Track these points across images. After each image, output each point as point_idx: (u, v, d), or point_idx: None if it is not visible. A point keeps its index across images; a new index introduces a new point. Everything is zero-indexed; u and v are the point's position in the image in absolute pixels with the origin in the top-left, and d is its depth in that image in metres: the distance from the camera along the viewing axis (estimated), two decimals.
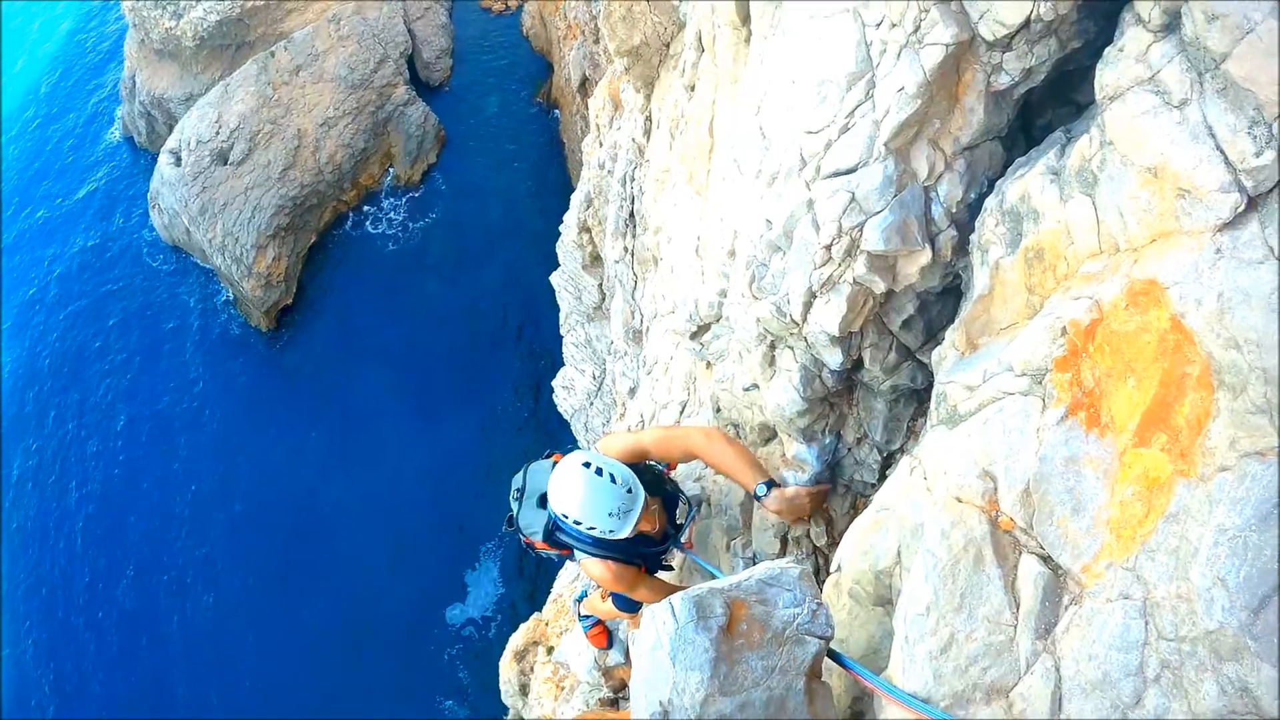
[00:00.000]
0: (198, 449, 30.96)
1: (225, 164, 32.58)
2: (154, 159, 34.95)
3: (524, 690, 9.75)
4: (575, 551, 5.60)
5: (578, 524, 5.12)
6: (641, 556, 5.57)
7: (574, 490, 5.08)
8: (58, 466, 31.38)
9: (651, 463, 5.71)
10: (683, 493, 5.88)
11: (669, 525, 5.72)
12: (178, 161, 32.90)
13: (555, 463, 5.66)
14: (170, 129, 34.62)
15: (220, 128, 32.76)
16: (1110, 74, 3.19)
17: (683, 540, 5.72)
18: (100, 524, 30.28)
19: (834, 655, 3.58)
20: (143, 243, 35.59)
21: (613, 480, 5.09)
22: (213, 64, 35.20)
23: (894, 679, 3.40)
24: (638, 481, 5.22)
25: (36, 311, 34.79)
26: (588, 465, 5.11)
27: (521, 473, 6.00)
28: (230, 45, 35.10)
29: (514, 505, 5.93)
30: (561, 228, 17.37)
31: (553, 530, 5.55)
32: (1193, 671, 2.60)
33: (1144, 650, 2.71)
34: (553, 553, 5.84)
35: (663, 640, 3.33)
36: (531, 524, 5.77)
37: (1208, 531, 2.62)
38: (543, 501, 5.64)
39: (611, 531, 5.12)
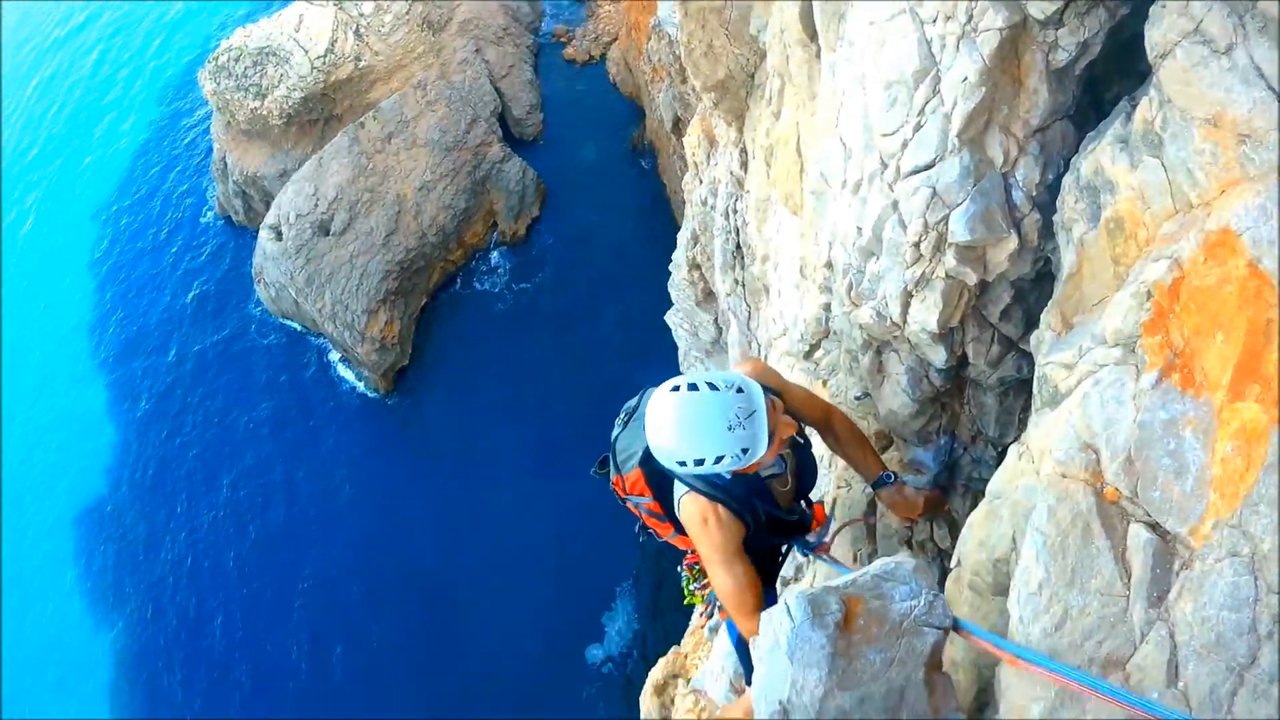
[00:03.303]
0: (331, 515, 31.67)
1: (327, 235, 33.21)
2: (254, 235, 35.83)
3: None
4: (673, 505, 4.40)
5: (682, 464, 3.96)
6: (755, 518, 4.28)
7: (668, 416, 3.94)
8: (210, 551, 32.31)
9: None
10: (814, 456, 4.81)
11: (798, 500, 4.64)
12: (279, 236, 33.64)
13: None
14: (267, 205, 35.37)
15: (318, 200, 33.39)
16: (1157, 32, 3.19)
17: (825, 539, 4.75)
18: (244, 597, 31.15)
19: (960, 628, 3.42)
20: (251, 318, 36.47)
21: (713, 387, 3.92)
22: (302, 139, 35.77)
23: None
24: (749, 381, 4.05)
25: (162, 398, 35.73)
26: (676, 389, 3.96)
27: (639, 396, 4.74)
28: (318, 119, 35.71)
29: (617, 429, 4.73)
30: (671, 267, 17.51)
31: (650, 457, 4.26)
32: None
33: (1255, 607, 2.67)
34: (645, 500, 4.56)
35: (780, 640, 3.36)
36: (630, 446, 4.58)
37: None
38: None
39: (735, 457, 3.91)
